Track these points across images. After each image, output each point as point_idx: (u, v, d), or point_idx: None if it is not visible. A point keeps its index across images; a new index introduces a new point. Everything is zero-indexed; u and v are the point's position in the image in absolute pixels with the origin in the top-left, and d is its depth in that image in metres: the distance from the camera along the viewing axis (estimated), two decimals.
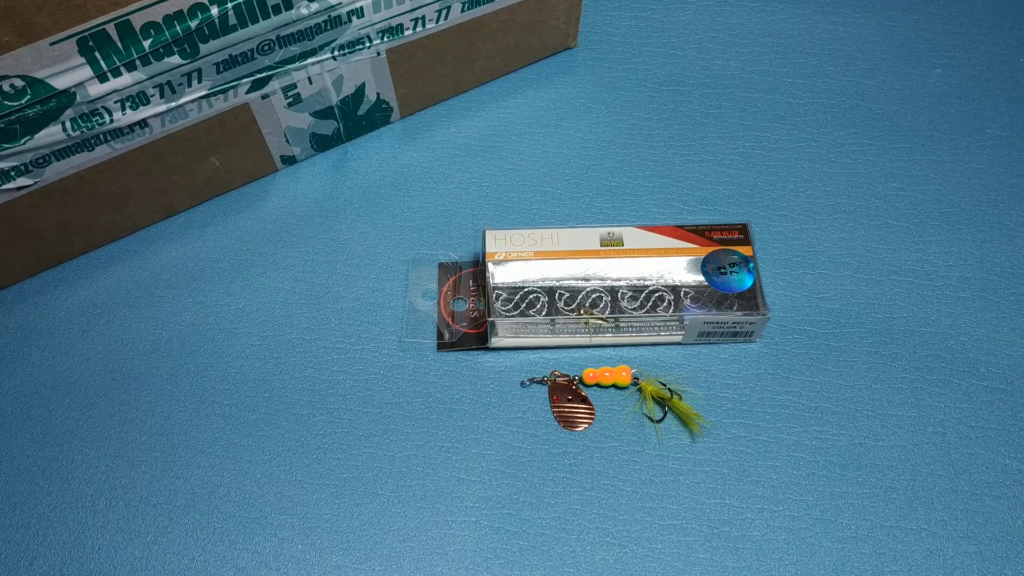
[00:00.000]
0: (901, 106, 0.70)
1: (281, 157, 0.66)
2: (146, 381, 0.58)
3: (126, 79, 0.52)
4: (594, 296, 0.57)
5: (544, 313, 0.56)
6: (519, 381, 0.57)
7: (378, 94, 0.65)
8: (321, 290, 0.61)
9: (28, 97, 0.49)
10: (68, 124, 0.52)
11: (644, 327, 0.57)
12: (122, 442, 0.55)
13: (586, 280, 0.57)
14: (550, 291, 0.57)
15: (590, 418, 0.56)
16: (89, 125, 0.53)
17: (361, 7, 0.57)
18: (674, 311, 0.56)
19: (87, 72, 0.50)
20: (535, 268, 0.58)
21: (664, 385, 0.56)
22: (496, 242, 0.58)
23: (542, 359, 0.58)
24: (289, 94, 0.60)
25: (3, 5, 0.44)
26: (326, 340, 0.59)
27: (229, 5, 0.51)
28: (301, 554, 0.52)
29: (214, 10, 0.51)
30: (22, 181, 0.54)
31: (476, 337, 0.59)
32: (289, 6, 0.54)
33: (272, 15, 0.53)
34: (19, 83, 0.48)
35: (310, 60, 0.59)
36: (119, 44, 0.50)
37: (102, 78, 0.51)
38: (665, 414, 0.56)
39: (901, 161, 0.67)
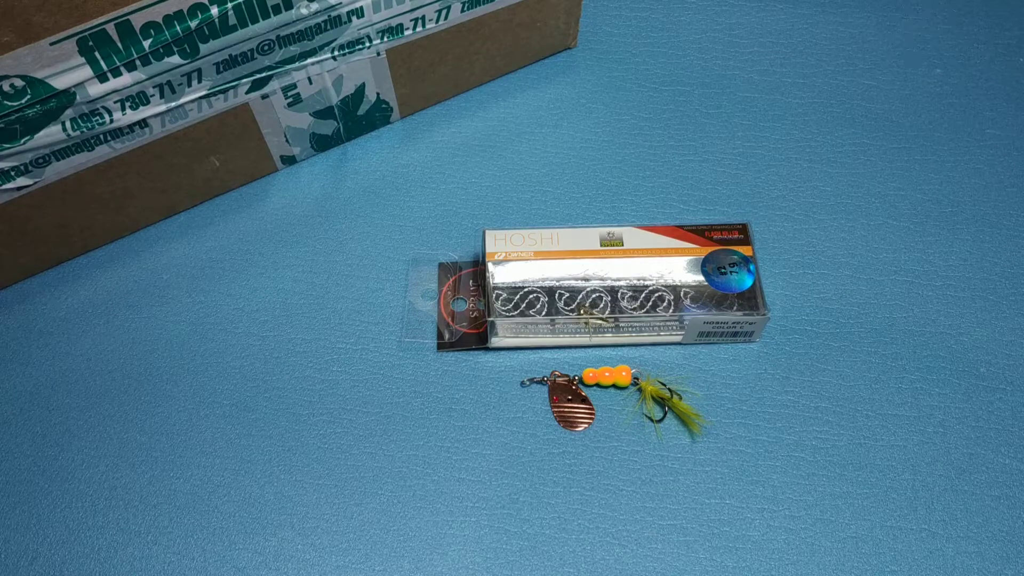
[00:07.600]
0: (901, 106, 0.70)
1: (281, 157, 0.66)
2: (146, 381, 0.58)
3: (126, 79, 0.52)
4: (594, 296, 0.57)
5: (544, 313, 0.56)
6: (519, 381, 0.57)
7: (378, 94, 0.65)
8: (321, 290, 0.61)
9: (28, 97, 0.49)
10: (68, 124, 0.52)
11: (644, 327, 0.57)
12: (122, 442, 0.55)
13: (586, 280, 0.57)
14: (550, 291, 0.57)
15: (590, 418, 0.56)
16: (89, 125, 0.53)
17: (361, 7, 0.57)
18: (674, 311, 0.56)
19: (87, 72, 0.50)
20: (535, 268, 0.58)
21: (664, 385, 0.56)
22: (496, 242, 0.58)
23: (542, 359, 0.58)
24: (289, 94, 0.60)
25: (3, 5, 0.44)
26: (326, 340, 0.59)
27: (229, 5, 0.51)
28: (301, 554, 0.52)
29: (214, 10, 0.51)
30: (22, 181, 0.54)
31: (476, 337, 0.59)
32: (289, 6, 0.54)
33: (272, 15, 0.53)
34: (19, 83, 0.48)
35: (310, 60, 0.59)
36: (119, 44, 0.50)
37: (102, 78, 0.51)
38: (665, 414, 0.56)
39: (901, 161, 0.67)
